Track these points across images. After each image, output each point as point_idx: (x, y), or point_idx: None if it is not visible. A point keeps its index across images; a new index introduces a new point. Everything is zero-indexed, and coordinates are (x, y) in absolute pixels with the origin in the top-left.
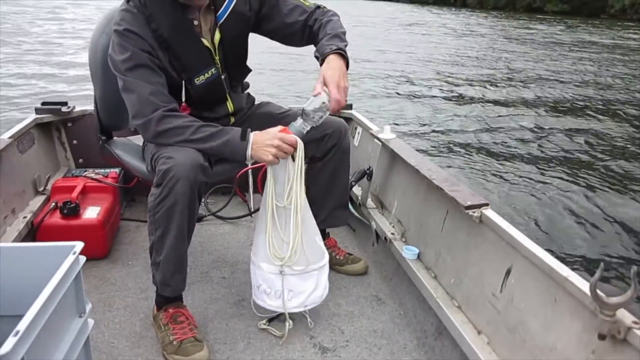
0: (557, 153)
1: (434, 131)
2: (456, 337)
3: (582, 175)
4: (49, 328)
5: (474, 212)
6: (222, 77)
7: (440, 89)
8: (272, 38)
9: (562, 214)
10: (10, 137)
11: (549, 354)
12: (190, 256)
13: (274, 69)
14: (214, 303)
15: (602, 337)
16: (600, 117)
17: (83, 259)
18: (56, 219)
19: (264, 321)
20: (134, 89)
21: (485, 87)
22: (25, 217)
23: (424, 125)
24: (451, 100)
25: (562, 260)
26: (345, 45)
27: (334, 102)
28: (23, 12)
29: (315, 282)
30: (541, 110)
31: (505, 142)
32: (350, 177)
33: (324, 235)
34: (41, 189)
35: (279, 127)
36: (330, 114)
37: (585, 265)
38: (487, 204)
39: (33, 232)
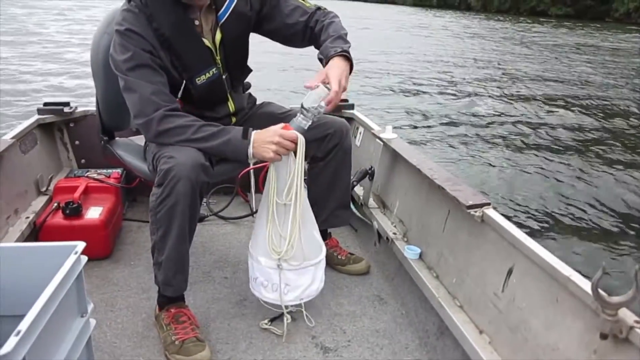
0: (560, 154)
1: (435, 131)
2: (458, 337)
3: (583, 175)
4: (50, 328)
5: (475, 212)
6: (223, 77)
7: (443, 91)
8: (272, 38)
9: (564, 214)
10: (12, 138)
11: (551, 353)
12: (192, 256)
13: (274, 69)
14: (216, 303)
15: (604, 336)
16: (605, 118)
17: (85, 259)
18: (58, 219)
19: (265, 321)
20: (135, 88)
21: (488, 89)
22: (27, 218)
23: (426, 125)
24: (453, 101)
25: (564, 259)
26: (349, 47)
27: (332, 94)
28: (30, 13)
29: (312, 277)
30: (545, 111)
31: (508, 143)
32: (352, 177)
33: (325, 236)
34: (43, 189)
35: (281, 125)
36: (326, 114)
37: (587, 265)
38: (488, 204)
39: (35, 233)
